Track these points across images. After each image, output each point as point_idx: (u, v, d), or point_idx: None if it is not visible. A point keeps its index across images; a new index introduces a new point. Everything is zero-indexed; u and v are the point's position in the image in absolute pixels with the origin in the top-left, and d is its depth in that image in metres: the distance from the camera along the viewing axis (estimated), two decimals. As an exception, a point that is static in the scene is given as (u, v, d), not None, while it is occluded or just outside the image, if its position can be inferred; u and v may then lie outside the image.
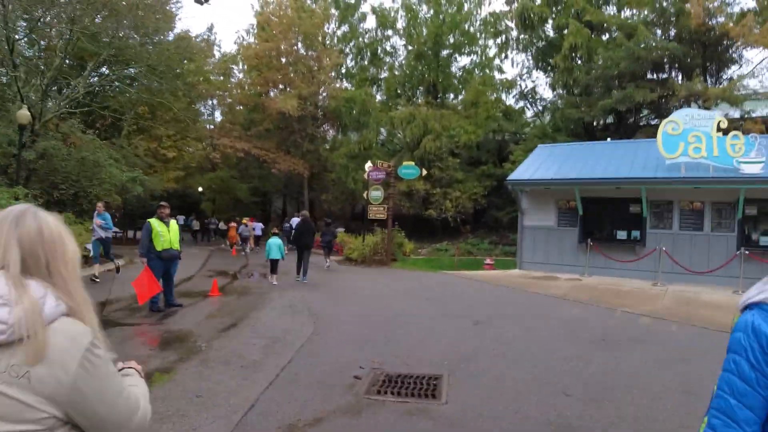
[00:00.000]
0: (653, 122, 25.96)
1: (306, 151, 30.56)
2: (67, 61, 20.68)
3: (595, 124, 27.55)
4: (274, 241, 13.56)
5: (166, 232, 9.18)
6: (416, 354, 6.53)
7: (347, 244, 21.74)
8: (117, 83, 23.21)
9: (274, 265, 13.48)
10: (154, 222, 9.05)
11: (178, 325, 8.01)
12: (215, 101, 36.27)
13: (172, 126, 27.49)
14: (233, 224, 26.94)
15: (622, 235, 15.30)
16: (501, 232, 28.20)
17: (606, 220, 15.65)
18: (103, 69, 22.39)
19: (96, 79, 20.92)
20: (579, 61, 25.39)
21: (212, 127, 36.37)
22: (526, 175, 15.80)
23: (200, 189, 41.65)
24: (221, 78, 31.31)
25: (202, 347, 6.64)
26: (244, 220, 25.80)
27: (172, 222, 9.45)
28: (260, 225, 27.85)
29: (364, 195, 19.52)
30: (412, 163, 18.91)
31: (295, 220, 23.73)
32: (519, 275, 15.05)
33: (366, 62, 34.94)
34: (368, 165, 19.38)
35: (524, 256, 16.40)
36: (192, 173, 39.62)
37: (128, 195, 19.30)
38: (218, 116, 38.96)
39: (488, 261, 16.89)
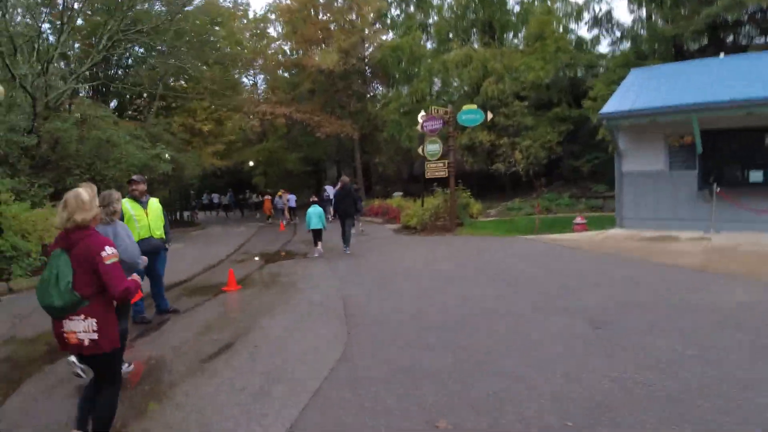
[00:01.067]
0: (758, 41, 21.14)
1: (354, 111, 27.72)
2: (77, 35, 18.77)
3: (685, 48, 22.93)
4: (314, 210, 12.45)
5: (143, 216, 6.66)
6: (511, 402, 3.70)
7: (404, 210, 18.95)
8: (140, 51, 21.10)
9: (316, 235, 12.53)
10: (125, 203, 6.54)
11: (152, 348, 5.56)
12: (257, 69, 33.94)
13: (207, 98, 25.36)
14: (268, 197, 27.32)
15: (757, 176, 11.58)
16: (581, 184, 24.44)
17: (734, 158, 11.93)
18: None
19: (109, 48, 18.70)
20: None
21: (257, 96, 34.22)
22: (625, 105, 12.20)
23: (251, 163, 40.10)
24: (255, 41, 28.66)
25: (159, 399, 4.10)
26: (279, 193, 25.64)
27: (152, 202, 6.91)
28: (293, 196, 26.65)
29: (419, 150, 16.50)
30: (474, 106, 15.63)
31: (329, 189, 23.04)
32: (624, 236, 11.70)
33: (412, 8, 31.28)
34: (421, 114, 16.29)
35: (625, 211, 12.97)
36: (239, 148, 37.89)
37: (154, 174, 17.21)
38: (261, 84, 36.78)
39: (579, 220, 13.54)
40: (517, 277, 8.24)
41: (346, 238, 12.61)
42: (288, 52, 30.77)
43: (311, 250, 12.72)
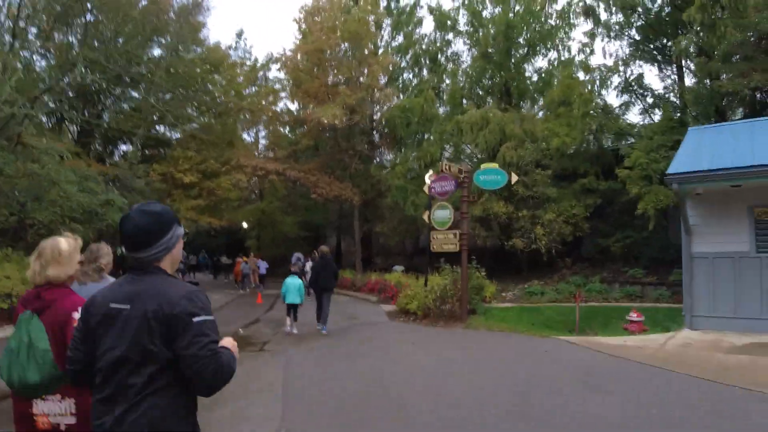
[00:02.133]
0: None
1: (355, 173, 25.07)
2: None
3: (728, 110, 20.39)
4: (292, 282, 11.41)
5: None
6: None
7: (404, 289, 15.71)
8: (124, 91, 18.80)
9: (289, 310, 11.46)
10: None
11: None
12: (259, 125, 31.86)
13: (194, 147, 22.90)
14: (239, 260, 26.47)
15: None
16: (610, 266, 21.19)
17: None
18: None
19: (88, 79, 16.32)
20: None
21: (256, 153, 31.92)
22: (700, 164, 9.20)
23: (244, 224, 37.38)
24: (256, 94, 26.54)
25: None
26: (244, 258, 25.62)
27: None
28: (265, 264, 25.28)
29: (425, 217, 13.46)
30: (496, 165, 12.71)
31: (298, 258, 19.47)
32: (706, 344, 8.32)
33: (425, 72, 29.39)
34: (429, 174, 13.47)
35: (697, 306, 9.65)
36: (235, 206, 35.30)
37: (100, 224, 14.25)
38: (262, 140, 34.57)
39: (633, 316, 10.18)
40: (576, 420, 4.89)
41: (323, 316, 11.42)
42: (289, 107, 28.75)
43: (287, 323, 11.59)
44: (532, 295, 17.81)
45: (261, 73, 28.56)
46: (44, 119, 19.87)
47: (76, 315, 2.42)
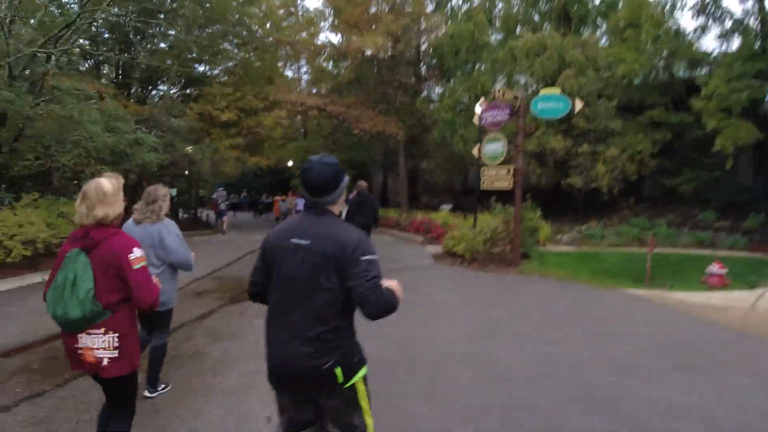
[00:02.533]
0: None
1: (400, 107, 23.60)
2: None
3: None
4: None
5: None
6: None
7: (450, 230, 14.68)
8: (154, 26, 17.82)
9: None
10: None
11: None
12: (300, 60, 30.42)
13: (231, 83, 21.96)
14: (277, 198, 26.68)
15: None
16: (678, 209, 19.47)
17: None
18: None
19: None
20: None
21: (299, 89, 30.73)
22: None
23: (289, 163, 36.83)
24: (293, 21, 24.94)
25: None
26: (283, 196, 24.96)
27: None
28: (302, 200, 22.24)
29: (474, 151, 12.15)
30: (557, 90, 11.07)
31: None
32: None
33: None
34: (480, 102, 12.04)
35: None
36: (279, 145, 34.64)
37: (129, 165, 13.65)
38: (305, 76, 33.19)
39: (715, 268, 8.83)
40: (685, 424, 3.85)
41: None
42: (331, 40, 27.17)
43: None
44: (590, 238, 16.47)
45: (300, 1, 26.65)
46: (79, 61, 19.53)
47: (137, 252, 2.61)
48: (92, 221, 2.59)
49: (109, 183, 2.67)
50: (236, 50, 22.88)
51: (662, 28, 19.07)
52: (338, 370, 2.20)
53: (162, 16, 18.75)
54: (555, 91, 10.87)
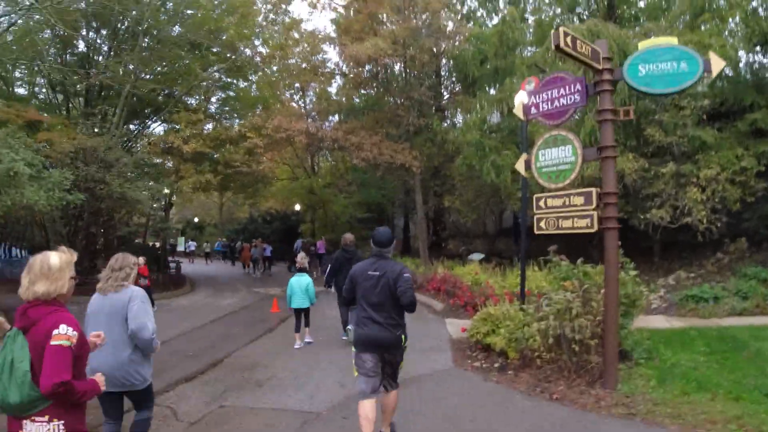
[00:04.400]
0: None
1: (415, 130, 18.72)
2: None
3: None
4: (298, 281, 8.47)
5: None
6: None
7: (483, 292, 9.55)
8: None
9: (298, 316, 8.52)
10: None
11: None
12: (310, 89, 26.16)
13: (203, 106, 17.61)
14: (247, 245, 26.69)
15: None
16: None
17: None
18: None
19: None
20: None
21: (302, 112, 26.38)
22: None
23: (297, 207, 32.29)
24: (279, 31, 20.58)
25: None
26: (254, 243, 25.36)
27: None
28: (269, 247, 25.76)
29: (518, 167, 6.79)
30: (673, 40, 5.92)
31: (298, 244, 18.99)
32: None
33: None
34: (528, 81, 6.95)
35: None
36: (287, 188, 30.23)
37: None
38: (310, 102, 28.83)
39: None
40: None
41: (348, 321, 8.16)
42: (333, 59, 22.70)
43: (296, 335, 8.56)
44: (694, 302, 10.86)
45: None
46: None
47: (64, 329, 2.43)
48: (32, 296, 2.47)
49: (57, 257, 2.56)
50: (215, 71, 18.62)
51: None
52: (403, 337, 4.41)
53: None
54: (669, 41, 5.70)
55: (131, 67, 16.23)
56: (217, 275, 25.72)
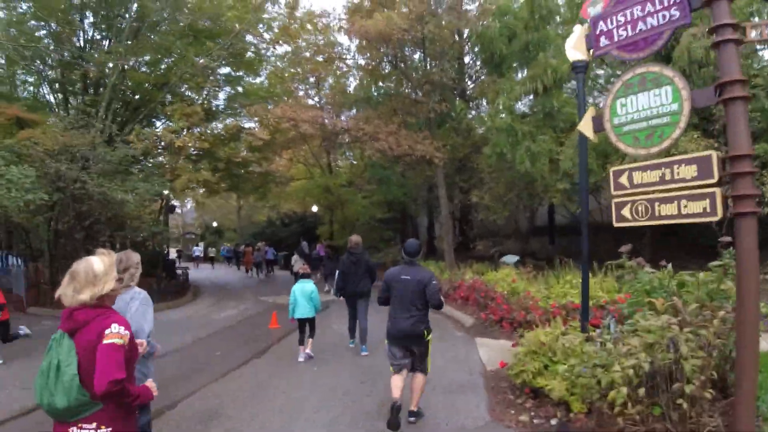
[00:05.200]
0: None
1: (436, 118, 16.63)
2: None
3: None
4: (301, 288, 7.70)
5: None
6: None
7: (522, 303, 7.50)
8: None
9: (302, 327, 7.75)
10: None
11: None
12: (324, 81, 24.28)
13: (201, 97, 15.87)
14: (249, 248, 27.01)
15: None
16: None
17: None
18: None
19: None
20: None
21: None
22: None
23: (314, 208, 30.49)
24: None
25: None
26: (257, 246, 25.55)
27: None
28: (271, 250, 26.46)
29: (582, 128, 4.69)
30: None
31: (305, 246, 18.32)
32: None
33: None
34: (591, 7, 4.82)
35: None
36: (304, 187, 28.44)
37: None
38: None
39: None
40: None
41: (361, 331, 7.98)
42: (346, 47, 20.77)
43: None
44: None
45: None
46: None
47: (116, 328, 2.37)
48: (77, 304, 2.40)
49: (100, 262, 2.49)
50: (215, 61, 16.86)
51: None
52: (426, 331, 4.92)
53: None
54: None
55: (118, 53, 14.55)
56: (225, 282, 24.17)
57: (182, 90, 16.44)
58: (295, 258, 20.23)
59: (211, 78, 17.28)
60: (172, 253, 44.68)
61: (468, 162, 19.24)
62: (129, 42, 14.38)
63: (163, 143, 15.74)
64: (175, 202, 26.09)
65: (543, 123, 14.90)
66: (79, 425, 2.29)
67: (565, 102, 14.85)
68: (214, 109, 17.39)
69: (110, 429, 2.32)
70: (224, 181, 19.72)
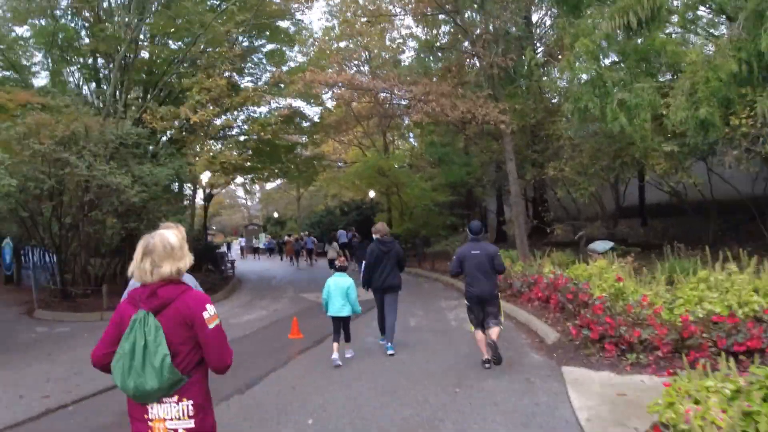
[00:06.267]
0: None
1: (497, 73, 13.56)
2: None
3: None
4: (336, 283, 6.87)
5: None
6: None
7: (636, 312, 4.61)
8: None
9: (338, 326, 6.83)
10: None
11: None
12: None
13: (220, 69, 13.74)
14: (288, 239, 29.07)
15: None
16: None
17: None
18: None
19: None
20: None
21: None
22: None
23: (371, 194, 28.15)
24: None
25: None
26: (295, 236, 27.35)
27: None
28: (310, 239, 27.47)
29: None
30: None
31: (342, 235, 19.72)
32: None
33: None
34: None
35: None
36: (349, 172, 26.21)
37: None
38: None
39: None
40: None
41: (387, 327, 7.30)
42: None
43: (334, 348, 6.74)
44: None
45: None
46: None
47: (211, 309, 2.33)
48: (157, 278, 2.30)
49: (174, 235, 2.41)
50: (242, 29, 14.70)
51: None
52: (497, 293, 6.20)
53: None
54: None
55: (127, 21, 12.65)
56: (272, 275, 22.44)
57: (202, 63, 14.35)
58: (330, 246, 19.72)
59: (232, 40, 15.14)
60: (234, 246, 44.39)
61: (541, 130, 16.05)
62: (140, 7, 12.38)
63: (185, 122, 13.76)
64: (215, 189, 24.44)
65: (638, 68, 11.59)
66: (161, 400, 2.23)
67: (666, 41, 11.46)
68: (252, 89, 15.18)
69: (191, 401, 2.27)
70: (259, 163, 17.66)
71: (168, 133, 14.77)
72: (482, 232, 6.43)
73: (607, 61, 11.72)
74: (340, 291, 6.76)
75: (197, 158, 13.49)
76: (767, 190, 11.66)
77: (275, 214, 49.48)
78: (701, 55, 10.00)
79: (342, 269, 7.10)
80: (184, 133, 14.84)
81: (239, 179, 24.19)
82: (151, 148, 12.82)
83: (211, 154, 13.52)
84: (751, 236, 12.85)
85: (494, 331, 5.95)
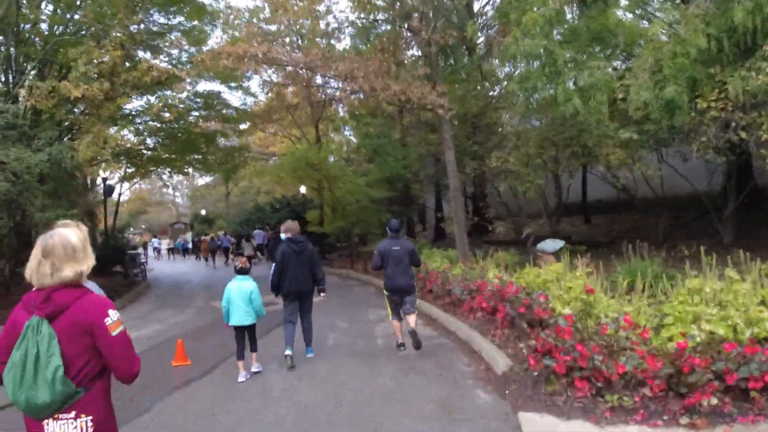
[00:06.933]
0: None
1: (435, 51, 12.04)
2: None
3: None
4: (238, 288, 6.17)
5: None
6: None
7: (605, 339, 3.15)
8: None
9: (243, 336, 6.16)
10: None
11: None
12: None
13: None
14: (205, 238, 27.94)
15: None
16: None
17: None
18: None
19: None
20: None
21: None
22: None
23: (302, 189, 26.17)
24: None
25: None
26: (211, 234, 27.20)
27: None
28: (226, 238, 27.12)
29: None
30: None
31: (258, 235, 17.89)
32: None
33: None
34: None
35: None
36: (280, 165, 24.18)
37: None
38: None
39: None
40: None
41: (303, 327, 6.85)
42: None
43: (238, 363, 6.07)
44: None
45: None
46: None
47: (113, 314, 2.12)
48: (57, 282, 2.07)
49: (74, 234, 2.16)
50: None
51: None
52: (414, 284, 6.64)
53: None
54: None
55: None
56: (188, 279, 20.22)
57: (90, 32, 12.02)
58: (247, 244, 19.42)
59: (139, 15, 12.89)
60: (150, 246, 41.14)
61: (483, 120, 14.73)
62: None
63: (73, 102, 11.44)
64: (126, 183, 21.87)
65: (589, 49, 10.42)
66: (56, 416, 2.03)
67: (620, 22, 10.37)
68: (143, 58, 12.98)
69: (90, 417, 2.07)
70: (174, 153, 15.45)
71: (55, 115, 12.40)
72: (399, 229, 6.86)
73: (558, 38, 10.51)
74: (243, 296, 6.06)
75: (80, 143, 11.21)
76: (727, 184, 10.74)
77: (203, 212, 46.53)
78: (667, 28, 8.88)
79: (243, 271, 6.27)
80: (71, 114, 12.49)
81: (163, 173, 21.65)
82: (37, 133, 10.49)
83: (102, 138, 11.21)
84: (702, 232, 12.09)
85: (411, 318, 6.37)
